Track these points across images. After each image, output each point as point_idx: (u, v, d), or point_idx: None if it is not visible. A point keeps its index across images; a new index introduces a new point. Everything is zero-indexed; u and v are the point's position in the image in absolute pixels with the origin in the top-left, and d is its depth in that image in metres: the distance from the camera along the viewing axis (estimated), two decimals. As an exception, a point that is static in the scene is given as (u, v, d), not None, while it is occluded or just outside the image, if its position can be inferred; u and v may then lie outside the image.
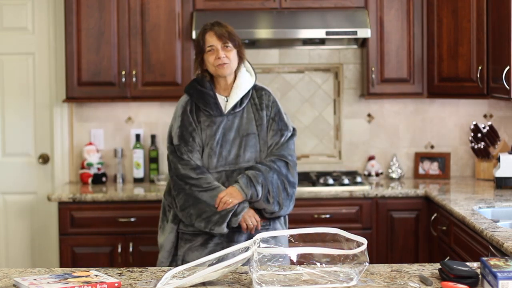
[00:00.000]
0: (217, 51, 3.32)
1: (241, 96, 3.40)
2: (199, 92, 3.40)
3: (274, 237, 3.25)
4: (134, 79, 4.76)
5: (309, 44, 5.03)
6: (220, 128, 3.37)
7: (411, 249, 4.58)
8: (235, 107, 3.39)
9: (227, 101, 3.40)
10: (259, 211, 3.39)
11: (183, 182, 3.34)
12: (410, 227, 4.57)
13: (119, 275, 2.43)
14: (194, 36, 4.62)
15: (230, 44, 3.33)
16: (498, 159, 4.47)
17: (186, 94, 3.47)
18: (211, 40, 3.34)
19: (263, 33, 4.68)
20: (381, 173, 5.06)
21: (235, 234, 3.36)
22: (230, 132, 3.37)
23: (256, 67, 4.68)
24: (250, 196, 3.32)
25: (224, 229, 3.30)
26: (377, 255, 4.55)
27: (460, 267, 2.31)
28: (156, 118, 5.10)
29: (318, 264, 2.37)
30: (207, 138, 3.36)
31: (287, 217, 3.55)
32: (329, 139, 5.13)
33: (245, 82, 3.42)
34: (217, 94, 3.41)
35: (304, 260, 2.36)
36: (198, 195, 3.31)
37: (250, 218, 3.34)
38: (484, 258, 2.28)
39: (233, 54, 3.35)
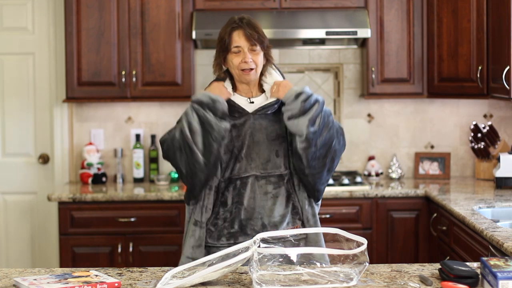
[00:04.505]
0: (244, 54, 2.98)
1: (269, 99, 3.05)
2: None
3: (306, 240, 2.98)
4: (134, 79, 4.76)
5: (309, 44, 5.03)
6: (245, 128, 3.03)
7: (411, 249, 4.58)
8: (263, 108, 3.05)
9: (250, 102, 3.07)
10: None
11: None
12: (410, 227, 4.57)
13: (119, 275, 2.43)
14: (194, 36, 4.62)
15: (258, 47, 3.01)
16: (498, 159, 4.47)
17: None
18: (239, 40, 2.98)
19: (263, 33, 4.68)
20: (381, 173, 5.06)
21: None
22: (258, 134, 3.03)
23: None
24: (300, 92, 2.94)
25: (223, 123, 2.93)
26: (377, 255, 4.55)
27: (460, 267, 2.31)
28: (156, 118, 5.10)
29: (318, 264, 2.37)
30: (233, 140, 3.03)
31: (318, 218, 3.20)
32: (329, 139, 5.12)
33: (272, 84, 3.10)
34: (237, 95, 3.08)
35: (304, 260, 2.36)
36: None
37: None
38: (484, 258, 2.28)
39: (260, 57, 3.02)
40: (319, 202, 3.15)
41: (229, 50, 2.99)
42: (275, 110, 3.06)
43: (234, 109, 3.03)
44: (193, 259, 2.93)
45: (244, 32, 2.98)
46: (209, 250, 3.00)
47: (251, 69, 2.98)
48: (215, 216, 3.02)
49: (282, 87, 3.00)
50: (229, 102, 3.02)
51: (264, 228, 3.00)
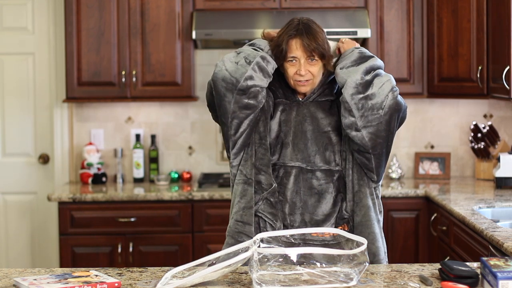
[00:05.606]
0: (300, 65, 2.76)
1: (323, 84, 2.86)
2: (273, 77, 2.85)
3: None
4: (134, 79, 4.76)
5: (309, 44, 5.02)
6: (293, 114, 2.84)
7: (411, 249, 4.58)
8: (314, 94, 2.86)
9: (304, 99, 2.88)
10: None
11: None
12: (410, 227, 4.57)
13: (119, 275, 2.43)
14: (194, 36, 4.62)
15: (316, 58, 2.77)
16: (498, 159, 4.47)
17: None
18: (295, 50, 2.76)
19: (263, 33, 4.68)
20: (381, 173, 5.05)
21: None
22: (306, 123, 2.83)
23: (256, 67, 4.67)
24: (359, 47, 2.83)
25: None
26: (377, 255, 4.55)
27: (460, 267, 2.31)
28: (156, 118, 5.10)
29: (318, 264, 2.37)
30: (282, 124, 2.84)
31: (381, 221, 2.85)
32: (329, 139, 5.12)
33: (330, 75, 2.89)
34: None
35: (304, 260, 2.36)
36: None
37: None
38: (484, 258, 2.28)
39: (318, 67, 2.79)
40: (379, 193, 2.85)
41: (285, 59, 2.78)
42: (331, 103, 2.87)
43: (283, 94, 2.88)
44: (242, 222, 2.78)
45: (302, 42, 2.76)
46: (259, 219, 2.81)
47: (307, 80, 2.79)
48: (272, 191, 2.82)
49: (347, 43, 2.88)
50: (278, 86, 2.87)
51: (304, 225, 2.79)
